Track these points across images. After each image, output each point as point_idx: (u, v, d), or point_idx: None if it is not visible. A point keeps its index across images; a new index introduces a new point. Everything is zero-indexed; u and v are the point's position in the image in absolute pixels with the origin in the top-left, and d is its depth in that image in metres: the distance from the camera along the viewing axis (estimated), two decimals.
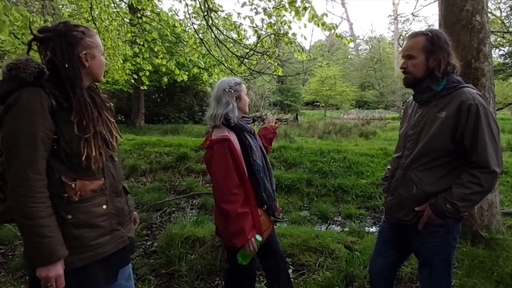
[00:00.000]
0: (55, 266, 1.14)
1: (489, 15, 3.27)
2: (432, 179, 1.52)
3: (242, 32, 4.89)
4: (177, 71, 5.90)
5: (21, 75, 1.14)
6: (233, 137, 1.74)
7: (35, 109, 1.13)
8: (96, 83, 1.43)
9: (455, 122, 1.46)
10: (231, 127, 1.77)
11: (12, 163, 1.12)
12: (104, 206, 1.30)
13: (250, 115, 2.17)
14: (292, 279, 2.57)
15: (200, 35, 5.17)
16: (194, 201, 4.84)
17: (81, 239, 1.22)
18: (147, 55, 6.32)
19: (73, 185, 1.21)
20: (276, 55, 5.22)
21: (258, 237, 1.73)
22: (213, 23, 4.69)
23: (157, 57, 5.89)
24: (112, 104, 1.49)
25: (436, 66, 1.52)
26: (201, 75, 6.41)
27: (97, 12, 5.17)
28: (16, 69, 1.15)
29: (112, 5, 5.67)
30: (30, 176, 1.11)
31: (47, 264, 1.13)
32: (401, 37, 23.00)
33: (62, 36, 1.23)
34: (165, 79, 6.89)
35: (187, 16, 5.48)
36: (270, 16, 4.24)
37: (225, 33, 5.28)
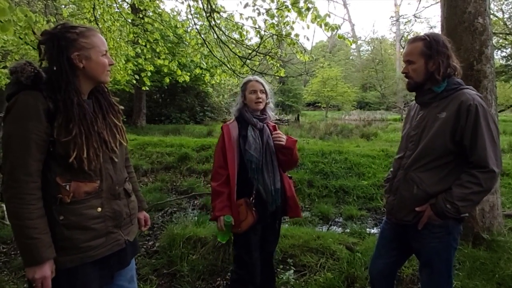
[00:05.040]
0: (42, 268, 1.15)
1: (491, 16, 3.27)
2: (433, 179, 1.54)
3: (245, 33, 4.90)
4: (179, 72, 5.91)
5: (20, 78, 1.16)
6: (232, 126, 2.01)
7: (29, 113, 1.15)
8: (104, 85, 1.42)
9: (455, 122, 1.48)
10: (236, 119, 2.07)
11: (6, 165, 1.15)
12: (99, 209, 1.29)
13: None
14: (293, 280, 2.58)
15: (202, 35, 5.18)
16: (195, 202, 4.86)
17: (71, 241, 1.23)
18: (149, 56, 6.33)
19: (67, 187, 1.22)
20: (278, 56, 5.22)
21: (227, 218, 1.88)
22: (216, 24, 4.69)
23: (159, 58, 5.90)
24: (121, 107, 1.48)
25: (436, 69, 1.54)
26: (203, 75, 6.41)
27: (99, 13, 5.18)
28: (16, 72, 1.17)
29: (115, 5, 5.69)
30: (21, 178, 1.14)
31: (33, 265, 1.15)
32: (403, 38, 23.00)
33: (54, 38, 1.23)
34: (167, 80, 6.90)
35: (190, 16, 5.49)
36: (272, 17, 4.25)
37: (227, 34, 5.28)
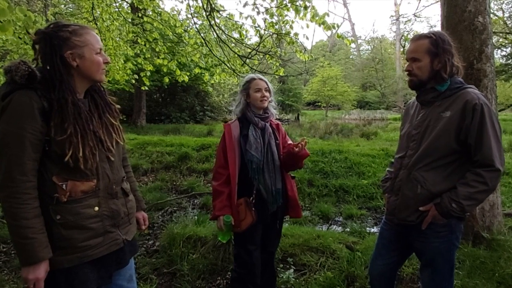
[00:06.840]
0: (36, 268, 1.15)
1: (491, 15, 3.27)
2: (437, 179, 1.53)
3: (244, 32, 4.89)
4: (178, 72, 5.89)
5: (14, 78, 1.15)
6: (234, 126, 1.99)
7: (24, 112, 1.15)
8: (101, 84, 1.42)
9: (460, 121, 1.47)
10: (238, 119, 2.05)
11: (2, 165, 1.15)
12: (96, 208, 1.29)
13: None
14: (293, 279, 2.58)
15: (202, 34, 5.18)
16: (195, 201, 4.85)
17: (69, 240, 1.22)
18: (149, 55, 6.31)
19: (63, 186, 1.21)
20: (278, 55, 5.21)
21: (227, 218, 1.89)
22: (215, 23, 4.69)
23: (158, 57, 5.89)
24: (118, 106, 1.48)
25: (441, 67, 1.53)
26: (203, 75, 6.40)
27: (98, 12, 5.17)
28: (10, 72, 1.16)
29: (114, 4, 5.67)
30: (16, 177, 1.13)
31: (28, 265, 1.14)
32: (403, 37, 22.96)
33: (47, 37, 1.23)
34: (166, 79, 6.89)
35: (189, 16, 5.48)
36: (272, 15, 4.24)
37: (227, 33, 5.28)
